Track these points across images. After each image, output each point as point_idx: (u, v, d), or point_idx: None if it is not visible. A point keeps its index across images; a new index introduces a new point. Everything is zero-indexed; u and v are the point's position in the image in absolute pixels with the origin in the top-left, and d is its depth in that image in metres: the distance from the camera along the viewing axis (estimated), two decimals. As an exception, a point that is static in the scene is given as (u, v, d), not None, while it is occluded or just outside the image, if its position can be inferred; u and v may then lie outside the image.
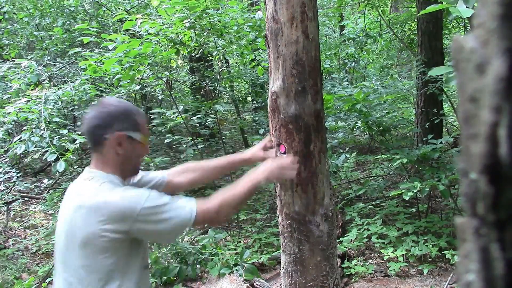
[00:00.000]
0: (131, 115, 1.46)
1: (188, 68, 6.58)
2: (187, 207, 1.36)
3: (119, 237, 1.30)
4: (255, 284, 2.67)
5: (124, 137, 1.42)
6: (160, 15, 3.85)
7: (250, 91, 7.61)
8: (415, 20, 5.52)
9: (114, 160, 1.44)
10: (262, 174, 1.59)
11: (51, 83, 5.41)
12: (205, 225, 1.35)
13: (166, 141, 4.58)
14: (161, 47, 3.57)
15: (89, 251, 1.30)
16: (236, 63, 7.05)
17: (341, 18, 9.14)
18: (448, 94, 5.12)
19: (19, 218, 5.00)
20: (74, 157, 5.19)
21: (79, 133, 5.01)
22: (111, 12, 5.89)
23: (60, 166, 3.11)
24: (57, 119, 3.83)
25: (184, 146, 4.45)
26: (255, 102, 7.31)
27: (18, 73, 4.29)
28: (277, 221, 2.13)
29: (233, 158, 1.89)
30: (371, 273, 2.85)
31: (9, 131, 4.28)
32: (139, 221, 1.30)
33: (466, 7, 1.72)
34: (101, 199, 1.31)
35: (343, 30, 8.92)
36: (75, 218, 1.32)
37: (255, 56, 4.62)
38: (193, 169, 1.78)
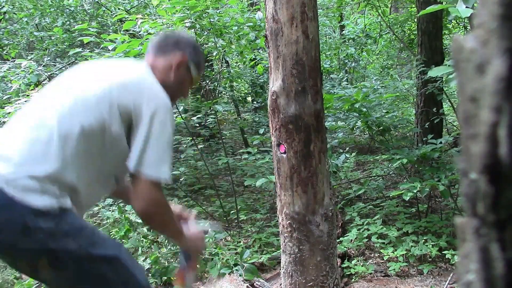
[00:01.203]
0: (201, 56, 1.62)
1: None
2: (169, 172, 1.37)
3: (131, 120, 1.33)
4: (255, 284, 2.67)
5: (186, 63, 1.55)
6: (160, 15, 3.85)
7: (250, 91, 7.61)
8: (415, 20, 5.53)
9: (164, 76, 1.52)
10: (188, 238, 1.52)
11: (51, 83, 5.39)
12: (143, 199, 1.32)
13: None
14: (161, 47, 3.56)
15: (117, 122, 1.32)
16: (236, 63, 7.06)
17: (341, 18, 9.14)
18: (448, 94, 5.12)
19: (19, 218, 5.00)
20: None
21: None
22: (111, 12, 5.89)
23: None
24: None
25: (184, 146, 4.45)
26: (255, 102, 7.31)
27: (18, 73, 4.29)
28: (277, 221, 2.13)
29: None
30: (371, 273, 2.85)
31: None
32: (155, 122, 1.31)
33: (466, 7, 1.72)
34: (155, 89, 1.38)
35: (343, 30, 8.93)
36: (129, 83, 1.35)
37: (255, 56, 4.62)
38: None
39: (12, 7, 6.15)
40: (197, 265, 1.64)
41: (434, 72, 1.96)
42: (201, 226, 1.66)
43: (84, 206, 1.39)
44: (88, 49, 4.82)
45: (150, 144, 1.31)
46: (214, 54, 4.44)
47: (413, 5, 6.44)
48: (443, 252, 2.88)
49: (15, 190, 1.19)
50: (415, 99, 5.12)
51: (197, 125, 5.03)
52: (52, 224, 1.21)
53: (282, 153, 1.95)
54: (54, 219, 1.22)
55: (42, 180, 1.22)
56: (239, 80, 7.21)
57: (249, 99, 8.26)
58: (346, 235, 3.29)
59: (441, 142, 3.45)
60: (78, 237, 1.25)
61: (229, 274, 2.78)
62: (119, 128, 1.33)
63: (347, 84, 6.37)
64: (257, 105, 7.15)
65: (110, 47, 3.42)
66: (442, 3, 1.92)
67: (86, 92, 1.33)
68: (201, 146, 4.63)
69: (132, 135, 1.34)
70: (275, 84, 1.92)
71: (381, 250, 3.03)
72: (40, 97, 1.40)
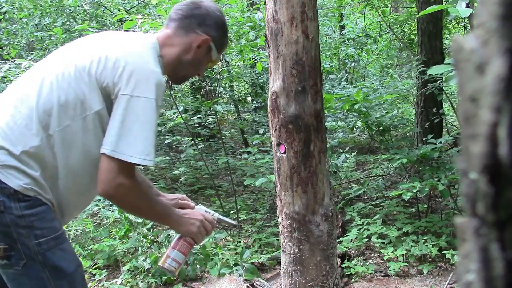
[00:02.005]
0: (226, 36, 1.49)
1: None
2: (144, 153, 1.22)
3: (112, 96, 1.25)
4: (255, 284, 2.67)
5: (208, 45, 1.42)
6: (160, 15, 3.85)
7: (250, 91, 7.61)
8: (415, 21, 5.53)
9: (179, 53, 1.40)
10: (177, 218, 1.39)
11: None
12: (106, 181, 1.20)
13: (166, 141, 4.58)
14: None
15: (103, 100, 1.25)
16: (236, 62, 7.06)
17: (341, 18, 9.15)
18: (448, 93, 5.13)
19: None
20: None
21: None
22: (111, 12, 5.89)
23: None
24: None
25: (184, 146, 4.45)
26: (255, 102, 7.31)
27: (18, 74, 4.29)
28: (277, 221, 2.13)
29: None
30: (371, 273, 2.85)
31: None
32: (136, 98, 1.21)
33: (466, 6, 1.72)
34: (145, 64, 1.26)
35: (343, 30, 8.93)
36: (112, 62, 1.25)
37: (255, 55, 4.62)
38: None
39: (12, 7, 6.15)
40: (189, 248, 1.48)
41: (434, 70, 1.96)
42: (206, 212, 1.53)
43: (70, 195, 1.30)
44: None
45: (124, 125, 1.20)
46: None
47: (413, 5, 6.44)
48: (443, 252, 2.88)
49: None
50: (415, 99, 5.12)
51: (197, 125, 5.03)
52: (23, 210, 1.16)
53: (282, 153, 1.95)
54: (27, 207, 1.17)
55: (19, 157, 1.18)
56: (239, 79, 7.21)
57: (249, 99, 8.26)
58: (346, 235, 3.29)
59: (441, 142, 3.45)
60: (42, 236, 1.19)
61: (229, 274, 2.78)
62: (99, 105, 1.24)
63: (347, 84, 6.38)
64: (257, 105, 7.16)
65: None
66: (442, 3, 1.92)
67: (68, 66, 1.26)
68: (201, 146, 4.63)
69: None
70: (275, 84, 1.92)
71: (381, 250, 3.04)
72: (29, 72, 1.34)
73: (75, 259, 1.30)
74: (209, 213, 1.53)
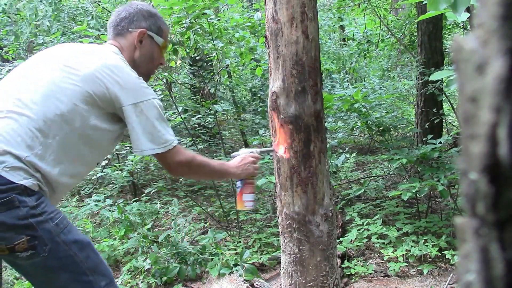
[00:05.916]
0: (158, 19, 1.62)
1: (188, 70, 6.58)
2: (173, 136, 1.50)
3: (114, 108, 1.42)
4: (255, 284, 2.67)
5: (146, 35, 1.57)
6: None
7: (249, 99, 7.62)
8: (414, 22, 5.53)
9: (130, 55, 1.57)
10: (235, 170, 1.75)
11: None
12: (169, 167, 1.53)
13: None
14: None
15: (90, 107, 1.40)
16: (236, 65, 7.04)
17: (341, 19, 9.14)
18: (447, 94, 5.12)
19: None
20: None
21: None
22: (110, 12, 5.88)
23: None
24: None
25: (184, 146, 4.45)
26: (254, 104, 7.31)
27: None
28: (277, 221, 2.13)
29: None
30: (371, 273, 2.85)
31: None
32: (140, 106, 1.41)
33: (466, 9, 1.72)
34: (126, 71, 1.44)
35: (344, 29, 8.92)
36: (97, 74, 1.39)
37: (254, 57, 4.61)
38: None
39: (8, 15, 6.15)
40: (253, 186, 1.84)
41: (435, 76, 1.96)
42: (251, 152, 1.85)
43: (59, 189, 1.43)
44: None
45: (152, 126, 1.42)
46: (214, 55, 4.44)
47: (413, 4, 6.44)
48: (443, 252, 2.88)
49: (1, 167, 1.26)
50: (415, 100, 5.12)
51: (197, 125, 5.03)
52: (35, 201, 1.27)
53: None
54: (36, 199, 1.28)
55: (24, 160, 1.29)
56: (241, 82, 7.19)
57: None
58: (346, 235, 3.29)
59: (440, 142, 3.45)
60: (56, 218, 1.31)
61: (229, 274, 2.78)
62: (95, 117, 1.40)
63: (348, 84, 6.38)
64: (256, 108, 7.16)
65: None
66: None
67: (56, 82, 1.37)
68: (200, 146, 4.63)
69: (126, 124, 1.44)
70: (275, 84, 1.92)
71: (381, 250, 3.03)
72: (18, 76, 1.43)
73: (82, 234, 1.46)
74: (252, 152, 1.85)
